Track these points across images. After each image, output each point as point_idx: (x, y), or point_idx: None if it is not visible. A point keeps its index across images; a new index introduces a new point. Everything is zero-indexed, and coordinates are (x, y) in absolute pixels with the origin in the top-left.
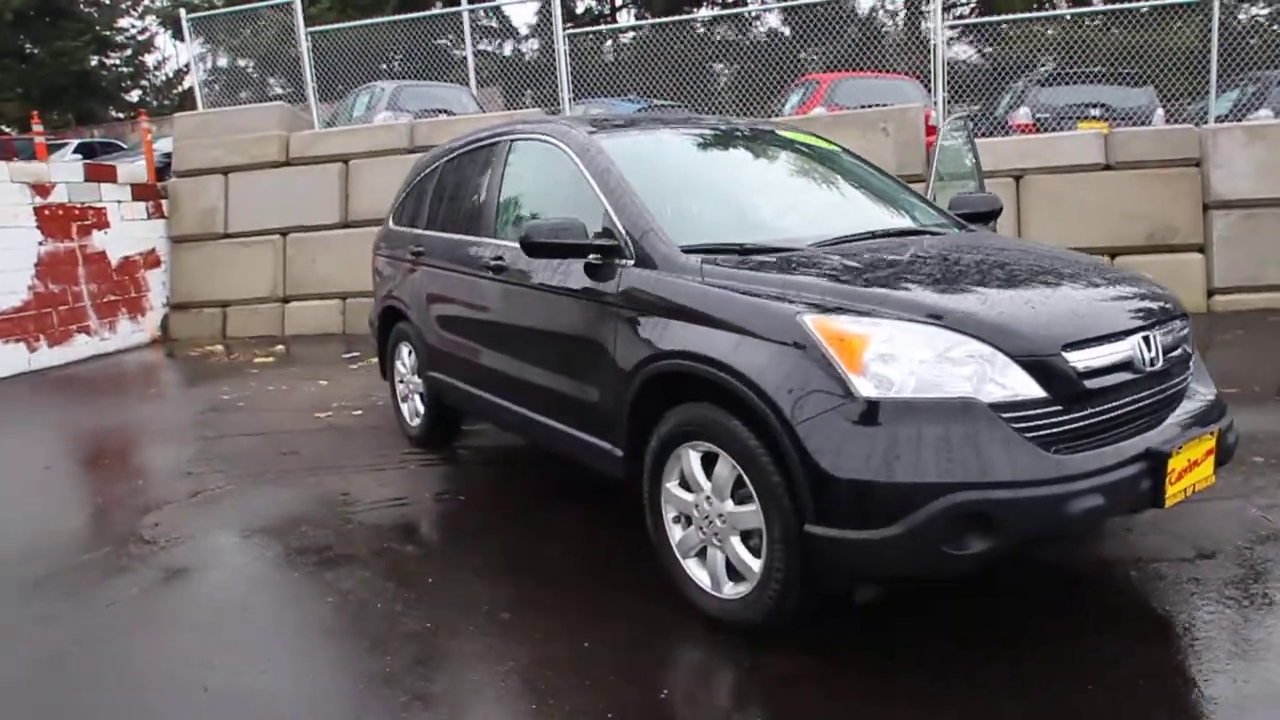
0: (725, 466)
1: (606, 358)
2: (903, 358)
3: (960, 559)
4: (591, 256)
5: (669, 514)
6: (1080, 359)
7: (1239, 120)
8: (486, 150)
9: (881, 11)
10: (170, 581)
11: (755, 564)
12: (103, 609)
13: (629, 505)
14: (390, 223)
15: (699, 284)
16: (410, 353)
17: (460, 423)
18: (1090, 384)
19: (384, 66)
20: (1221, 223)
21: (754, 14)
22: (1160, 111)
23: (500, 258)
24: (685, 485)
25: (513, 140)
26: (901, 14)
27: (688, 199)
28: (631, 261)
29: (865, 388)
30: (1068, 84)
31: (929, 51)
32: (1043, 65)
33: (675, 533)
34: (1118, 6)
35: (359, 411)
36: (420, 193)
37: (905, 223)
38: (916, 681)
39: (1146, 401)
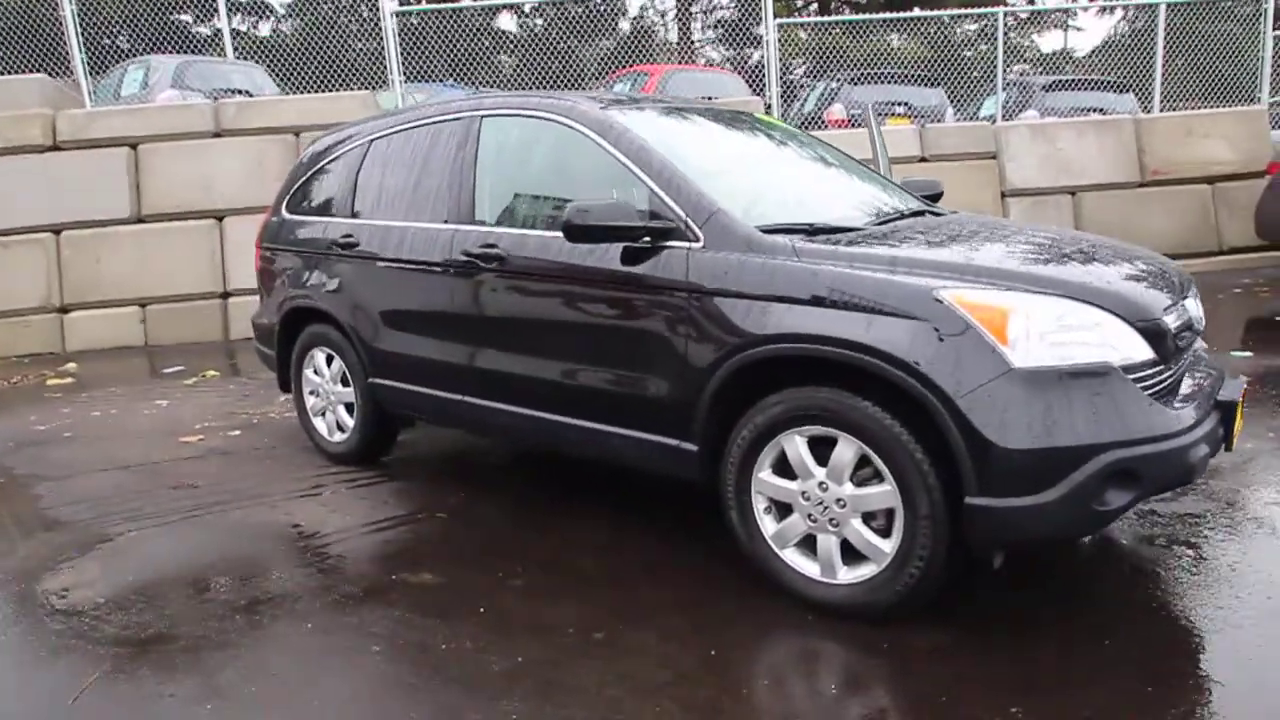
0: (847, 449)
1: (673, 348)
2: (1044, 328)
3: (1105, 515)
4: (644, 240)
5: (759, 505)
6: (1170, 322)
7: (1008, 120)
8: (441, 128)
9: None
10: (142, 668)
11: (886, 545)
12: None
13: (637, 493)
14: (283, 211)
15: (800, 264)
16: (331, 359)
17: (397, 433)
18: (1179, 343)
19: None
20: (1016, 209)
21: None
22: (950, 110)
23: (492, 245)
24: (784, 473)
25: (483, 117)
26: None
27: (720, 179)
28: (698, 244)
29: (1017, 358)
30: (875, 83)
31: (759, 45)
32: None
33: (768, 524)
34: (918, 14)
35: (235, 432)
36: (333, 176)
37: (910, 204)
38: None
39: (1192, 358)
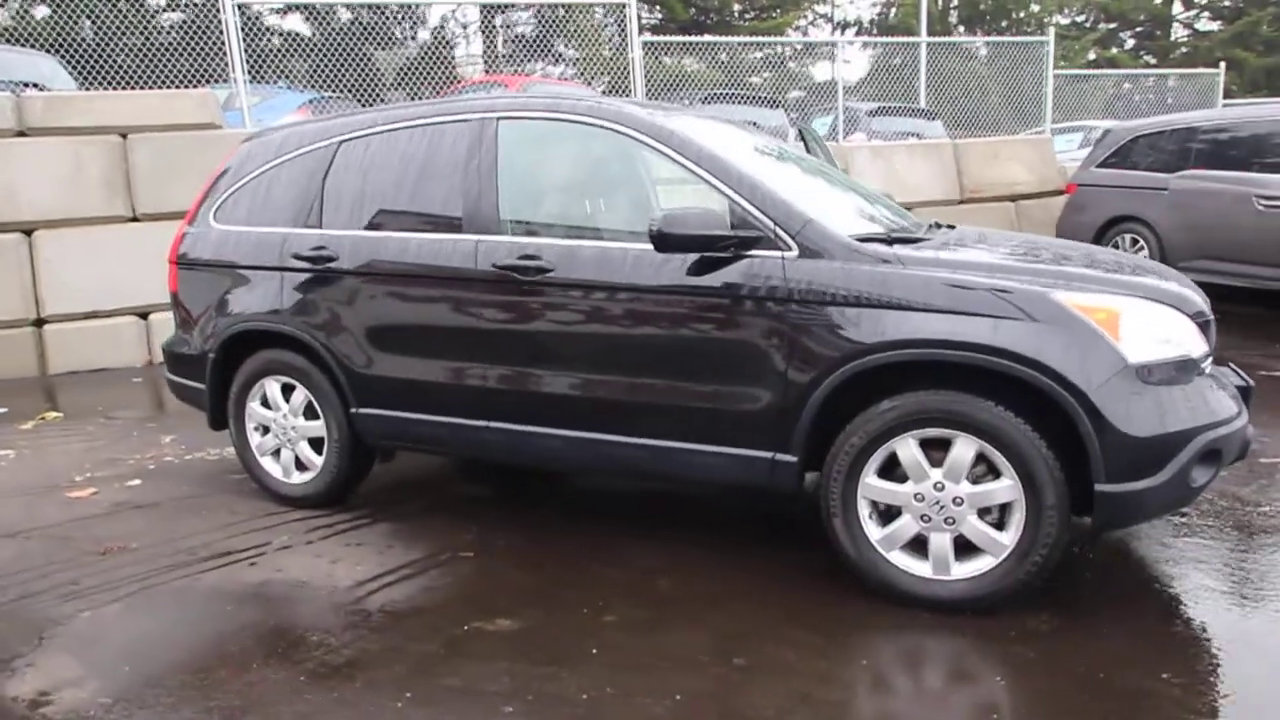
0: (966, 448)
1: (771, 358)
2: (1145, 327)
3: (1195, 492)
4: (730, 250)
5: (864, 511)
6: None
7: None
8: (441, 131)
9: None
10: None
11: (1004, 537)
12: None
13: (638, 505)
14: (210, 222)
15: (910, 272)
16: (290, 389)
17: (369, 471)
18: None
19: None
20: None
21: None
22: (792, 131)
23: (533, 257)
24: (892, 477)
25: (499, 119)
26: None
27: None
28: (792, 253)
29: (1131, 354)
30: (725, 103)
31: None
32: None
33: (873, 529)
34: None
35: (134, 482)
36: (285, 182)
37: (911, 217)
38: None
39: None
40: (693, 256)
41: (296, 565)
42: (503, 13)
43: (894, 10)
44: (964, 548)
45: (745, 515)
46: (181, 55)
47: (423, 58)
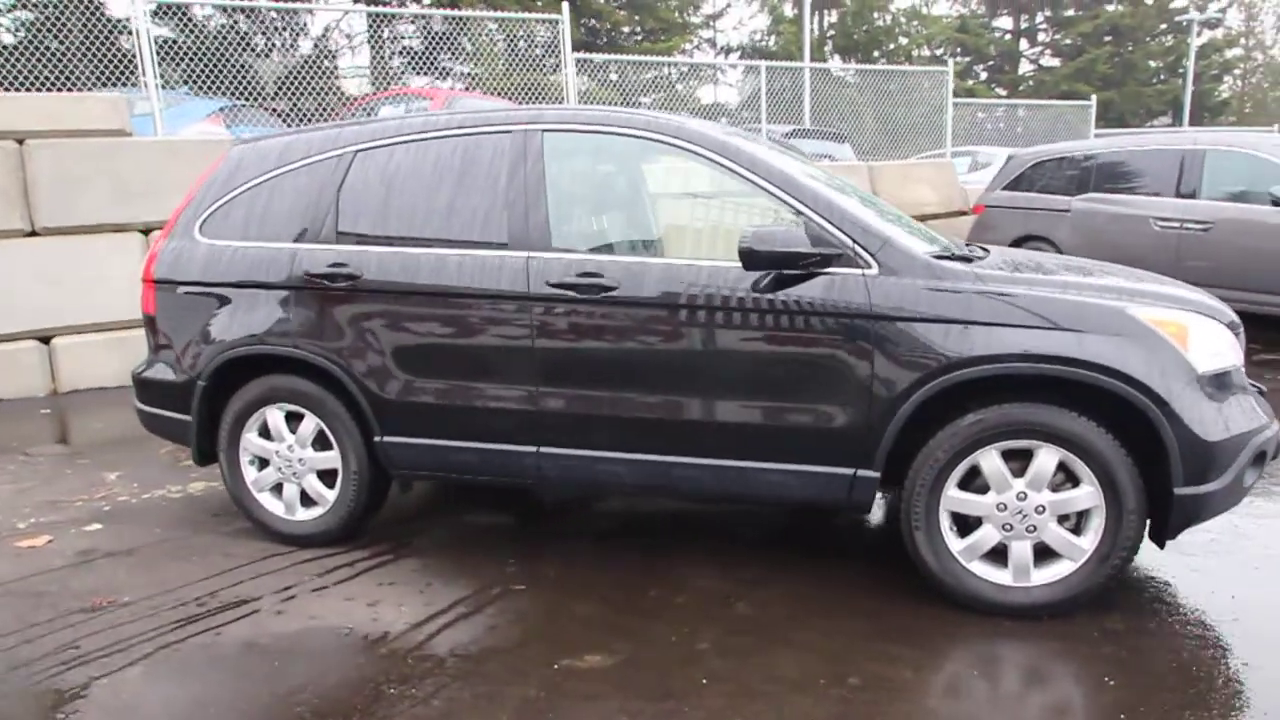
0: (1049, 458)
1: (855, 375)
2: (1206, 339)
3: (1245, 492)
4: (809, 267)
5: (945, 523)
6: None
7: None
8: (477, 142)
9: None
10: None
11: (1084, 542)
12: None
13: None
14: (196, 236)
15: (991, 289)
16: (296, 418)
17: (383, 502)
18: None
19: None
20: None
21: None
22: None
23: (594, 274)
24: (971, 489)
25: (544, 131)
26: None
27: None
28: (873, 270)
29: (1199, 364)
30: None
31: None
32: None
33: (953, 540)
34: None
35: (94, 526)
36: (290, 193)
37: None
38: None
39: None
40: (769, 273)
41: (331, 610)
42: (390, 24)
43: (774, 37)
44: (1040, 555)
45: (772, 530)
46: (75, 59)
47: (305, 68)
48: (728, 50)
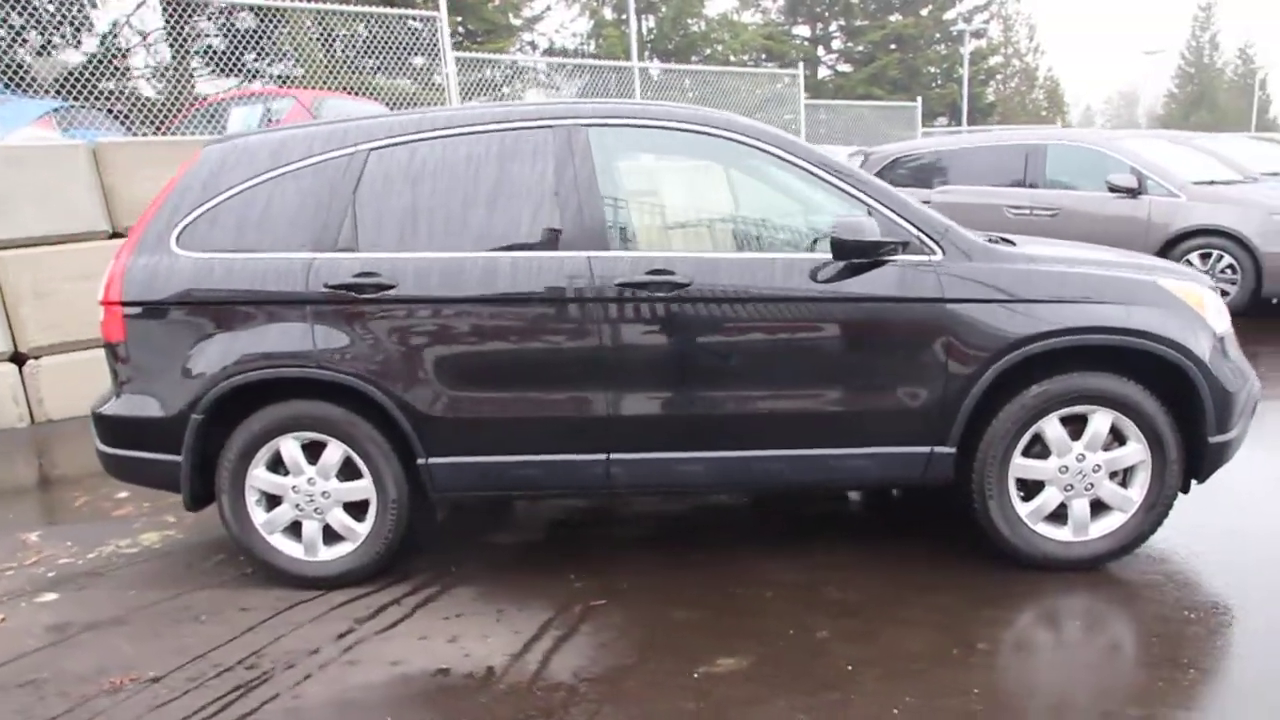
0: (1104, 420)
1: (930, 357)
2: (1215, 305)
3: (1242, 440)
4: (886, 255)
5: (1013, 489)
6: None
7: None
8: (514, 138)
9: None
10: None
11: (1133, 494)
12: None
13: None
14: (173, 248)
15: (1047, 269)
16: (316, 448)
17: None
18: None
19: None
20: None
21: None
22: None
23: (665, 271)
24: (1034, 455)
25: (589, 126)
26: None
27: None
28: (938, 257)
29: (1216, 328)
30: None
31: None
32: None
33: (1020, 505)
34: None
35: (49, 596)
36: (292, 197)
37: None
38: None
39: None
40: (843, 264)
41: (410, 652)
42: (190, 18)
43: (595, 40)
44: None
45: (802, 517)
46: None
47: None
48: (550, 52)
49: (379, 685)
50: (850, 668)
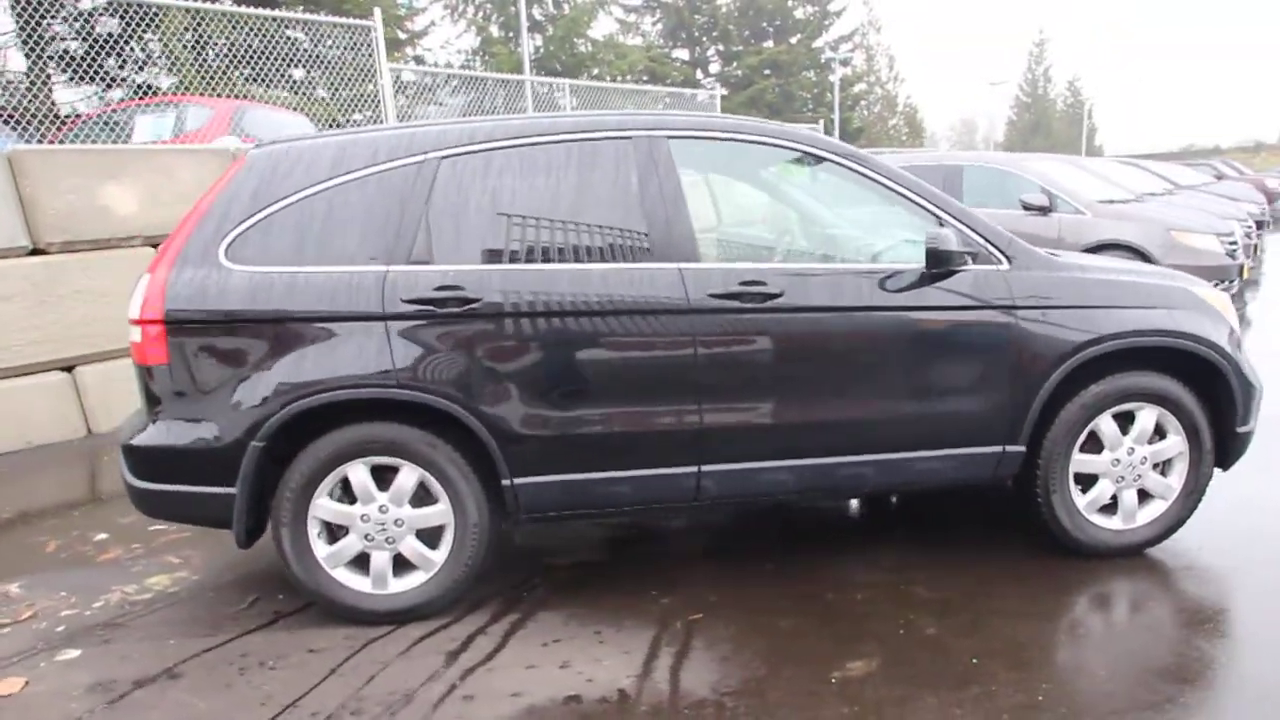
0: (1150, 416)
1: (1003, 361)
2: (1231, 309)
3: None
4: (961, 266)
5: (1071, 483)
6: None
7: None
8: (596, 149)
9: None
10: None
11: (1173, 482)
12: None
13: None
14: (223, 261)
15: (1100, 277)
16: (386, 473)
17: None
18: None
19: None
20: None
21: None
22: None
23: (757, 282)
24: (1088, 450)
25: (669, 138)
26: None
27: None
28: (1005, 266)
29: (1235, 328)
30: None
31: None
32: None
33: (1079, 498)
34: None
35: (70, 654)
36: (369, 209)
37: None
38: None
39: None
40: (925, 273)
41: (528, 684)
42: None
43: (482, 58)
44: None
45: (842, 516)
46: None
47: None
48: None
49: (511, 718)
50: (975, 661)
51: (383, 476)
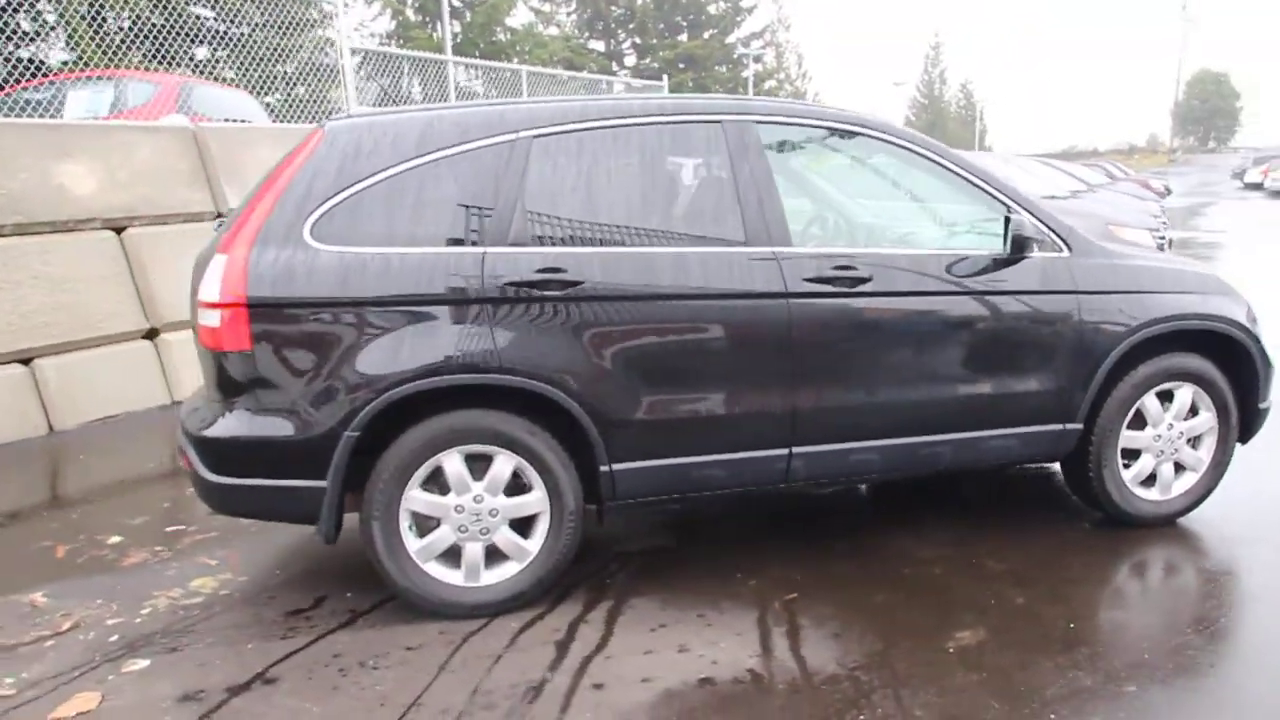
0: (1186, 394)
1: (1067, 343)
2: (1241, 290)
3: None
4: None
5: (1119, 458)
6: None
7: None
8: (688, 132)
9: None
10: None
11: (1204, 455)
12: None
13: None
14: (309, 240)
15: (1145, 264)
16: (480, 461)
17: None
18: None
19: None
20: None
21: None
22: None
23: (848, 266)
24: (1138, 426)
25: (756, 122)
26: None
27: None
28: (1067, 254)
29: (1251, 309)
30: None
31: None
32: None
33: (1124, 471)
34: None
35: (139, 664)
36: (462, 189)
37: None
38: None
39: None
40: (1001, 258)
41: (654, 670)
42: None
43: (397, 42)
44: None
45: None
46: None
47: None
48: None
49: (653, 704)
50: (1072, 625)
51: (474, 465)
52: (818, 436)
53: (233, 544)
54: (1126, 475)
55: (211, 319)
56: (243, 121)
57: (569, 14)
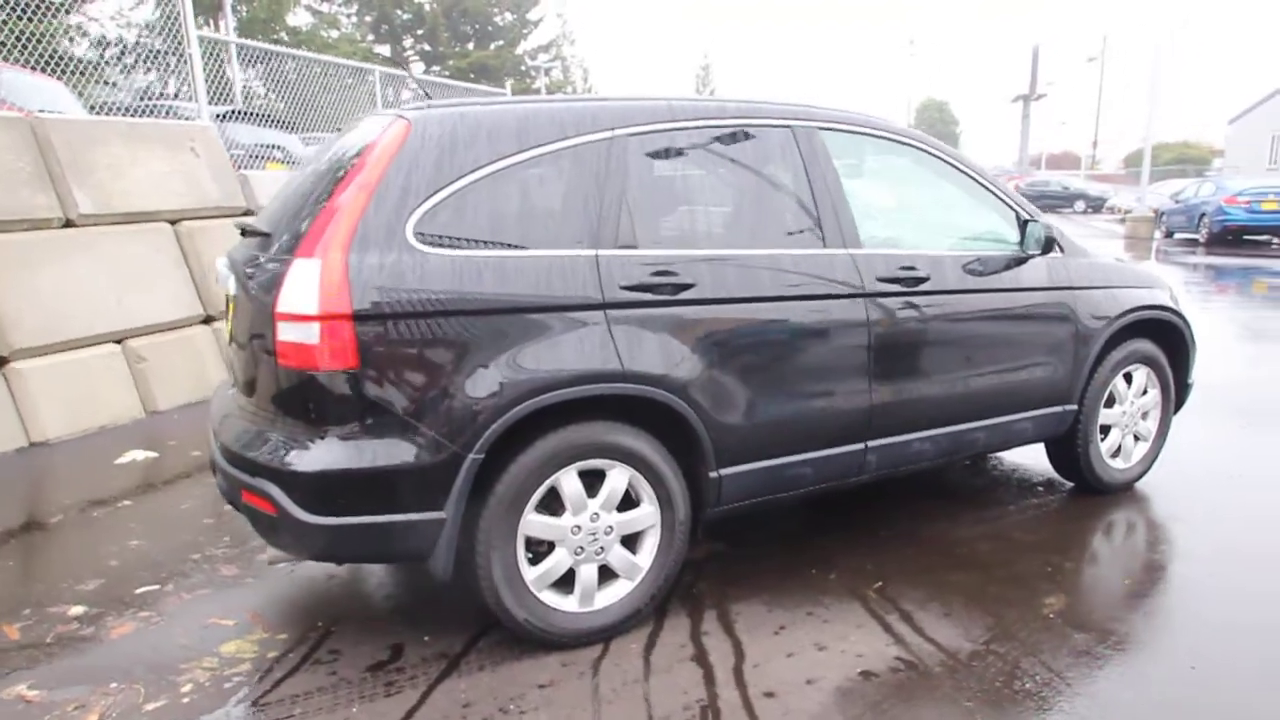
0: (1142, 375)
1: (1068, 333)
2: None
3: None
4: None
5: (1097, 435)
6: None
7: None
8: (767, 135)
9: None
10: None
11: (1153, 428)
12: None
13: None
14: (412, 242)
15: (1113, 264)
16: (597, 479)
17: None
18: None
19: None
20: None
21: None
22: None
23: (911, 268)
24: (1110, 404)
25: (820, 129)
26: None
27: None
28: (1061, 255)
29: (1176, 298)
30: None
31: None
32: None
33: (1103, 445)
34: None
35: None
36: (567, 188)
37: None
38: None
39: None
40: (1022, 258)
41: (810, 672)
42: None
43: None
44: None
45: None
46: None
47: None
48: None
49: (837, 704)
50: (1128, 581)
51: (587, 482)
52: (890, 429)
53: (229, 599)
54: (1103, 448)
55: (304, 334)
56: (58, 114)
57: (349, 16)
